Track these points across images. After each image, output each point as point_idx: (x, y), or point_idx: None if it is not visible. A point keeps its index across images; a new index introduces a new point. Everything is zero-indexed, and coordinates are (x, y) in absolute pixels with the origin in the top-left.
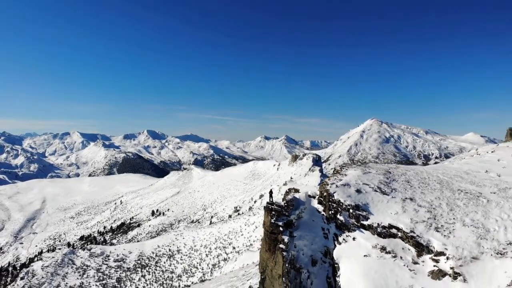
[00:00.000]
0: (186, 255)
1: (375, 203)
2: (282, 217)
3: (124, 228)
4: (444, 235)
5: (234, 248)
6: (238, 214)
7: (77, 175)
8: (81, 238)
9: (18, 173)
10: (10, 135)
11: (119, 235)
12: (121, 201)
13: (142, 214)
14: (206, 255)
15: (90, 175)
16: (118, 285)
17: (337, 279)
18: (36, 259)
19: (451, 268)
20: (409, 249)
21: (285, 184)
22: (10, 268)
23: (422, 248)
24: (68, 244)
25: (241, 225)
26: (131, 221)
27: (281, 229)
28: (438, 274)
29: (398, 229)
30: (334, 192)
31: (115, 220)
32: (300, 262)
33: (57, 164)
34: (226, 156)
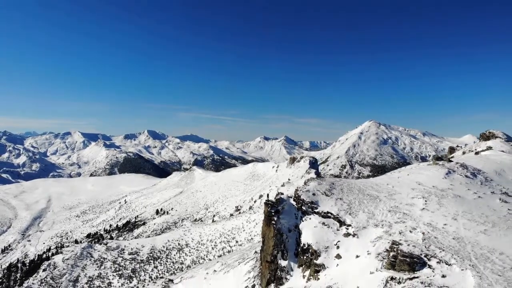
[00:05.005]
0: (194, 249)
1: (321, 200)
2: (274, 208)
3: (129, 226)
4: (353, 217)
5: (237, 242)
6: (239, 212)
7: (79, 174)
8: (88, 235)
9: (21, 172)
10: (11, 134)
11: (125, 233)
12: (125, 200)
13: (146, 213)
14: (212, 248)
15: (91, 175)
16: (133, 275)
17: (301, 239)
18: (45, 255)
19: (353, 231)
20: (336, 224)
21: (283, 185)
22: (19, 265)
23: (341, 223)
24: (76, 241)
25: (243, 222)
26: (136, 220)
27: (273, 214)
28: (347, 235)
29: (331, 213)
30: (301, 195)
31: (120, 219)
32: (283, 230)
33: (59, 163)
34: (225, 157)
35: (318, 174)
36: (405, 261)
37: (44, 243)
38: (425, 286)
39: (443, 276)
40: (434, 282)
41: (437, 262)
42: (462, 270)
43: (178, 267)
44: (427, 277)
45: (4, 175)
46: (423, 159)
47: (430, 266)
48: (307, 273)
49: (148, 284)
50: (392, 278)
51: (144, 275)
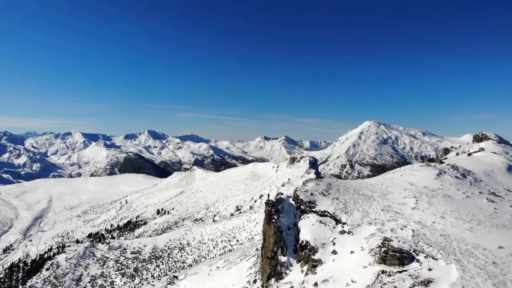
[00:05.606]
0: (195, 248)
1: (319, 200)
2: (274, 207)
3: (130, 226)
4: (348, 215)
5: (237, 241)
6: (240, 212)
7: (79, 174)
8: (89, 235)
9: (21, 172)
10: (12, 134)
11: (126, 232)
12: (126, 200)
13: (147, 213)
14: (213, 247)
15: (92, 175)
16: (136, 274)
17: (299, 236)
18: (46, 255)
19: (348, 229)
20: (332, 222)
21: (283, 185)
22: (21, 264)
23: (337, 221)
24: (77, 241)
25: (244, 221)
26: (137, 219)
27: (273, 212)
28: (342, 233)
29: (328, 212)
30: (299, 195)
31: (121, 219)
32: (282, 228)
33: (59, 163)
34: (226, 156)
35: (318, 174)
36: (395, 256)
37: (45, 243)
38: (413, 278)
39: (430, 270)
40: (421, 275)
41: (425, 257)
42: (447, 264)
43: (180, 265)
44: (415, 271)
45: (4, 175)
46: (423, 158)
47: (418, 261)
48: (305, 268)
49: (152, 281)
50: (383, 272)
51: (147, 274)
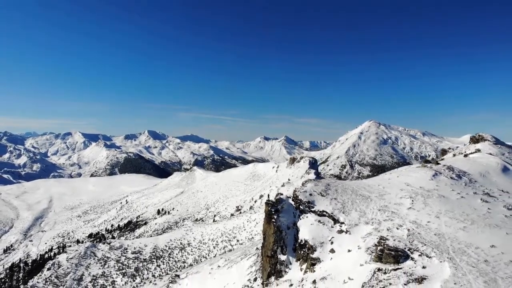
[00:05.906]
0: (196, 248)
1: (317, 200)
2: (274, 207)
3: (131, 226)
4: (346, 215)
5: (238, 240)
6: (240, 212)
7: (79, 175)
8: (90, 235)
9: (21, 172)
10: (12, 134)
11: (126, 232)
12: (126, 200)
13: (148, 213)
14: (214, 247)
15: (92, 175)
16: (136, 274)
17: (299, 235)
18: (47, 255)
19: (346, 228)
20: (330, 221)
21: (282, 185)
22: (22, 264)
23: (335, 221)
24: (78, 241)
25: (244, 221)
26: (137, 220)
27: (273, 212)
28: (340, 232)
29: (326, 212)
30: (299, 195)
31: (122, 219)
32: (282, 227)
33: (59, 164)
34: (226, 157)
35: (317, 174)
36: (391, 254)
37: (46, 243)
38: (407, 276)
39: (424, 267)
40: (415, 272)
41: (419, 255)
42: (441, 262)
43: (181, 265)
44: (409, 268)
45: (5, 176)
46: (423, 158)
47: (412, 259)
48: (304, 266)
49: (154, 280)
50: (379, 269)
51: (147, 273)
